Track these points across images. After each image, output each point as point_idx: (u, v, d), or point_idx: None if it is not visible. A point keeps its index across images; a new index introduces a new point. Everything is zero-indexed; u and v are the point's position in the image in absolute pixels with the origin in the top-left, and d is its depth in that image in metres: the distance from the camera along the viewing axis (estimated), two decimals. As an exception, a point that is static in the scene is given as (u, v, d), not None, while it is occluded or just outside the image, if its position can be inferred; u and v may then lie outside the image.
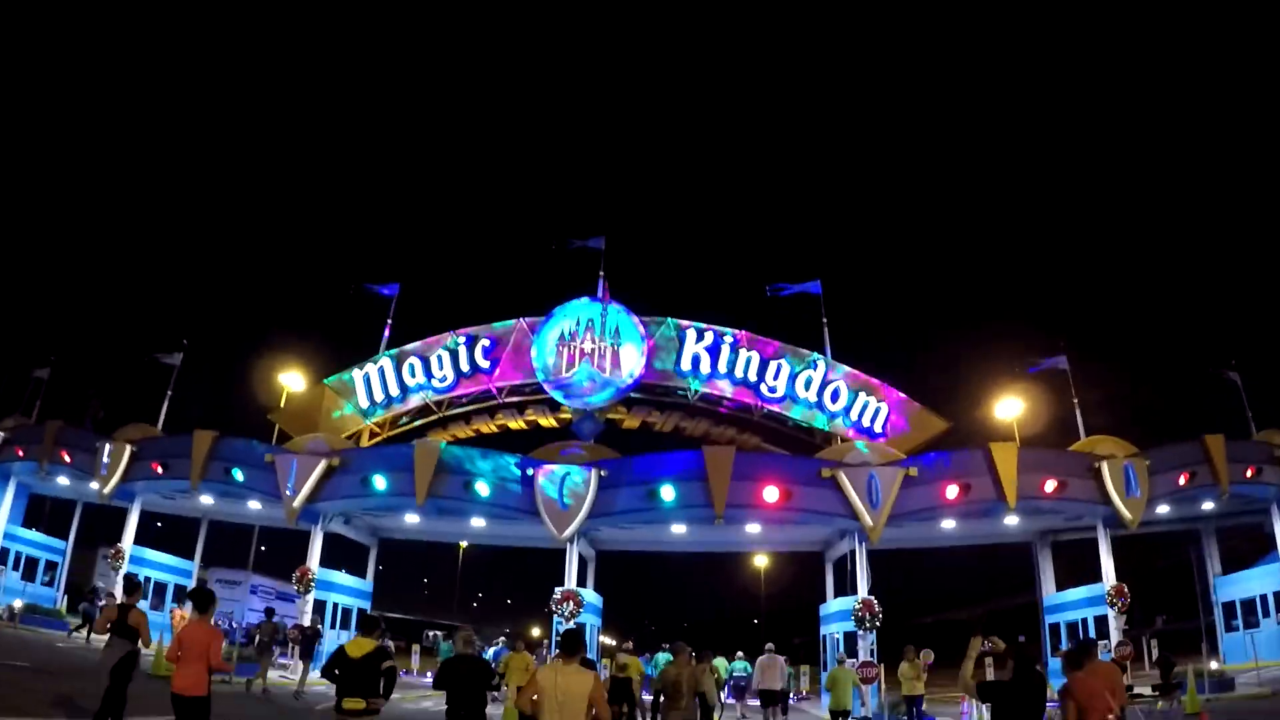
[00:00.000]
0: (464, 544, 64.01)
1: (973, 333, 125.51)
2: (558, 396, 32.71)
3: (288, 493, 28.54)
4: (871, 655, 26.67)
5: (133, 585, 13.78)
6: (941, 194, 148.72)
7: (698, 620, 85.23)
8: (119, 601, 13.11)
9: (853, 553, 28.31)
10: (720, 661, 26.78)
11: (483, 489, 27.62)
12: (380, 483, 28.18)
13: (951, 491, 26.71)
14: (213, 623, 10.92)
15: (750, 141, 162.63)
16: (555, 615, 27.84)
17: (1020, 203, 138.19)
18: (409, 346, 34.86)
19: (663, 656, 24.80)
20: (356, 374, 34.87)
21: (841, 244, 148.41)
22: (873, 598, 26.99)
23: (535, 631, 54.02)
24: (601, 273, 34.08)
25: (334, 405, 34.99)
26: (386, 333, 35.66)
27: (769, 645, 24.02)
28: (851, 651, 27.32)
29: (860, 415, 31.99)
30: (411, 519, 31.98)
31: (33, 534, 36.81)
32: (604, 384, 32.15)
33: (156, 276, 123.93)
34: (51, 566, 36.71)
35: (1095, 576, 29.00)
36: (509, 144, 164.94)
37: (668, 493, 26.72)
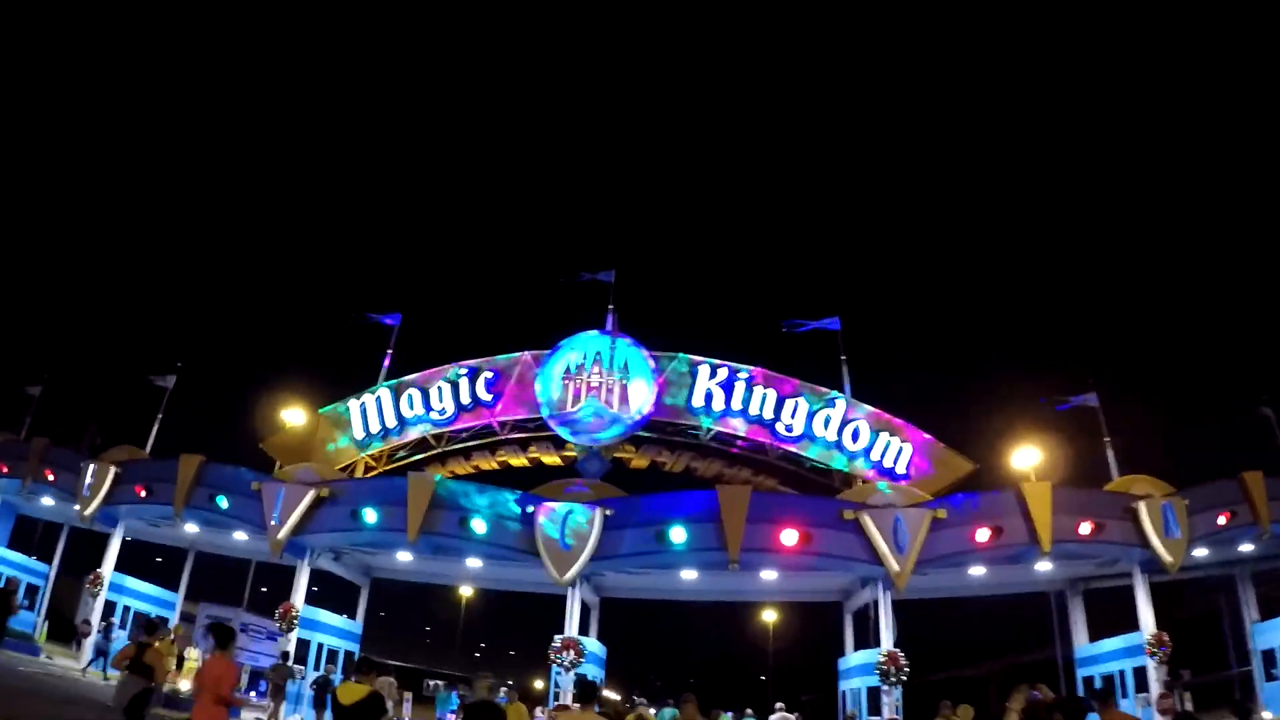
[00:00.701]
0: (466, 590, 62.20)
1: (997, 371, 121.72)
2: (562, 433, 30.68)
3: (273, 523, 26.48)
4: (897, 712, 24.31)
5: (152, 625, 13.73)
6: (963, 228, 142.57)
7: (704, 674, 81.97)
8: (140, 639, 13.05)
9: (875, 602, 26.09)
10: (727, 718, 24.58)
11: (479, 526, 25.47)
12: (371, 516, 26.06)
13: (982, 535, 24.56)
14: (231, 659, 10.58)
15: (766, 173, 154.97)
16: (554, 665, 25.57)
17: (1044, 237, 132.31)
18: (408, 378, 33.00)
19: (668, 712, 23.41)
20: (353, 404, 32.95)
21: (860, 279, 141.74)
22: (898, 650, 24.65)
23: (539, 684, 51.47)
24: (611, 306, 32.28)
25: (329, 436, 33.06)
26: (386, 363, 33.89)
27: (779, 704, 23.26)
28: (874, 709, 25.04)
29: (882, 456, 29.85)
30: (404, 557, 29.76)
31: (14, 555, 34.84)
32: (611, 420, 30.12)
33: (155, 297, 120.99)
34: (33, 590, 34.69)
35: (1126, 627, 26.96)
36: (518, 173, 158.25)
37: (678, 534, 24.55)
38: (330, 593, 37.07)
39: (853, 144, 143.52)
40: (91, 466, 29.47)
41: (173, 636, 26.34)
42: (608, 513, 24.94)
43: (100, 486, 29.14)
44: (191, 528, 31.29)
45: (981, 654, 56.85)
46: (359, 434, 32.64)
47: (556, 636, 25.74)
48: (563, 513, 24.95)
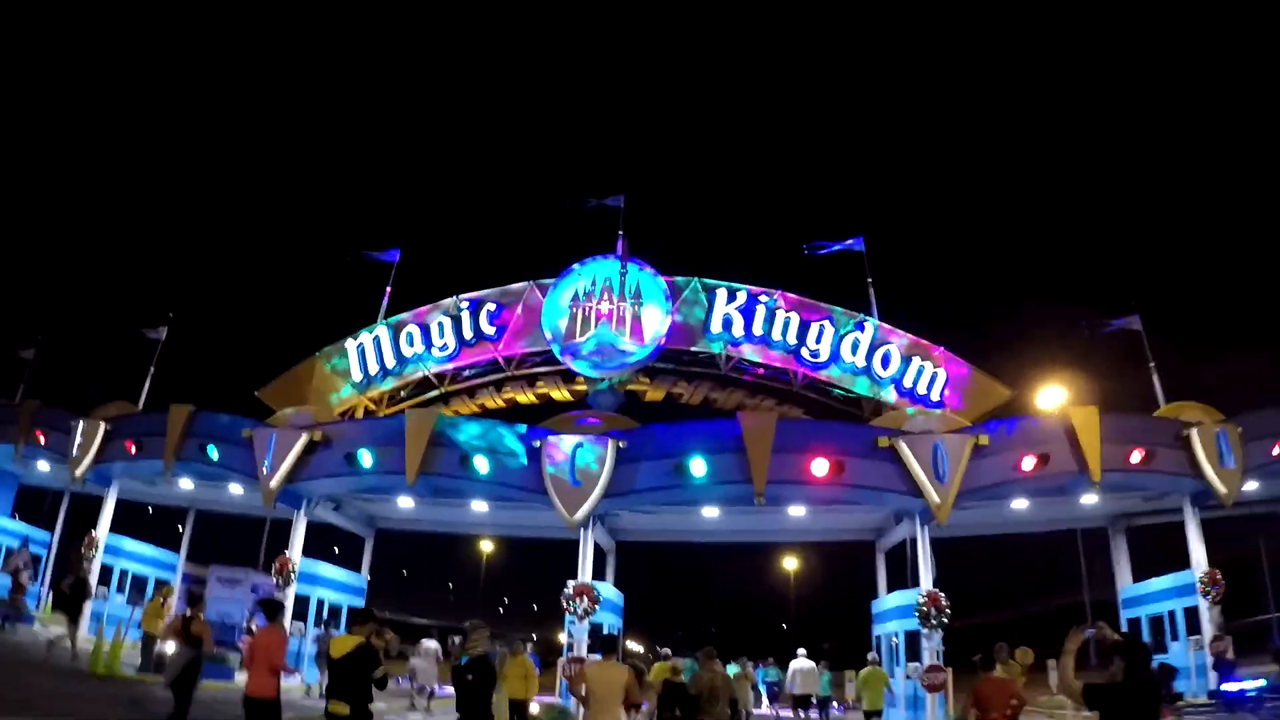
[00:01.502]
0: (486, 545, 60.03)
1: (1032, 294, 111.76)
2: (571, 365, 28.18)
3: (264, 471, 24.28)
4: (938, 658, 21.92)
5: (195, 598, 14.07)
6: (995, 138, 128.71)
7: (726, 623, 79.73)
8: (185, 612, 13.41)
9: (911, 540, 23.77)
10: (732, 668, 22.54)
11: (482, 465, 23.08)
12: (367, 459, 23.78)
13: (1028, 463, 21.99)
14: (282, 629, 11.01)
15: (782, 83, 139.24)
16: (568, 613, 23.25)
17: (1082, 149, 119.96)
18: (407, 314, 30.52)
19: (686, 662, 21.43)
20: (351, 345, 30.55)
21: (886, 196, 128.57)
22: (939, 591, 22.23)
23: (563, 637, 49.32)
24: (621, 232, 29.58)
25: (326, 382, 30.72)
26: (385, 301, 31.39)
27: (800, 650, 23.79)
28: (914, 654, 22.70)
29: (915, 382, 27.24)
30: (406, 503, 27.47)
31: (14, 523, 32.87)
32: (624, 350, 27.57)
33: (144, 247, 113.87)
34: (35, 560, 32.28)
35: (1167, 568, 24.97)
36: (518, 93, 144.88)
37: (698, 467, 22.06)
38: (341, 548, 34.92)
39: (874, 46, 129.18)
40: (80, 424, 27.29)
41: (162, 599, 24.25)
42: (620, 445, 22.52)
43: (90, 445, 26.98)
44: (186, 484, 29.17)
45: (997, 602, 54.36)
46: (357, 376, 30.27)
47: (569, 582, 23.43)
48: (572, 446, 22.54)
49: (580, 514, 22.33)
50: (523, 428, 23.56)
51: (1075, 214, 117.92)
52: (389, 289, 31.64)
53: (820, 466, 21.74)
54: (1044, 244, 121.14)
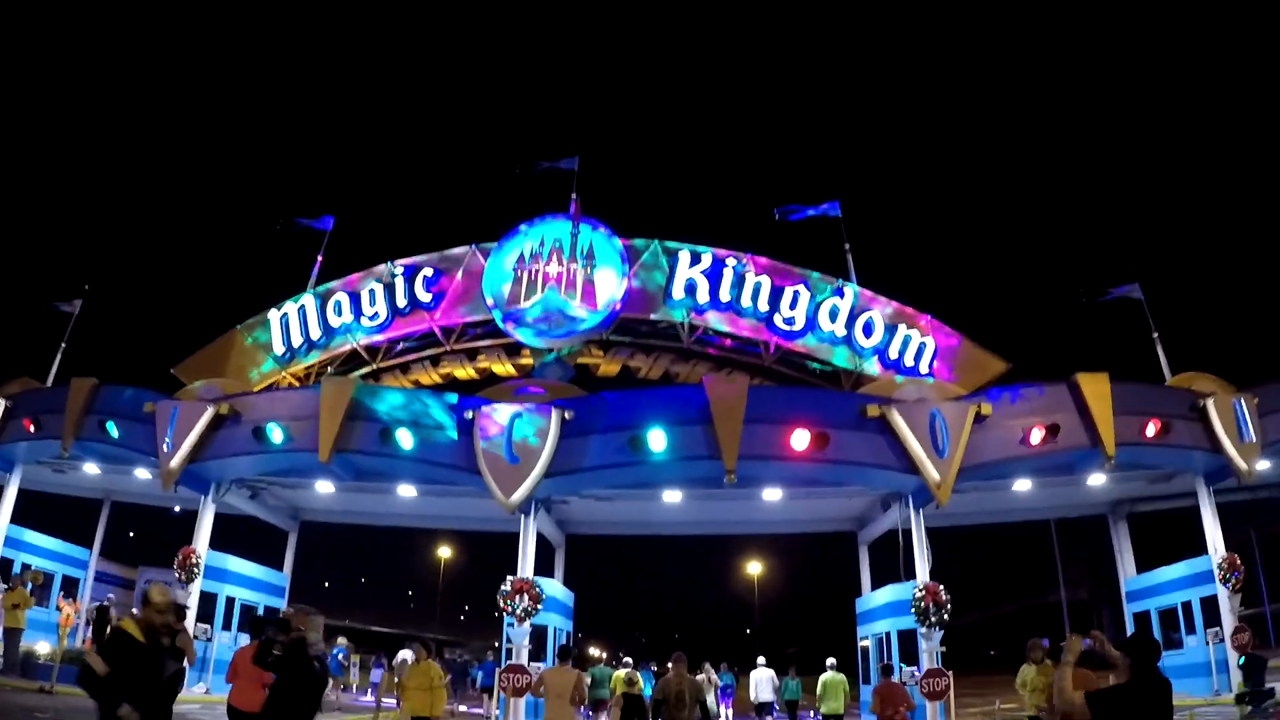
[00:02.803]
0: (439, 540, 55.82)
1: (1024, 262, 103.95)
2: (514, 333, 24.30)
3: (165, 449, 20.30)
4: (938, 660, 18.25)
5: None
6: (981, 92, 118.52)
7: (689, 626, 75.64)
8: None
9: (903, 530, 20.30)
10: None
11: (405, 439, 19.14)
12: (277, 434, 19.80)
13: (1035, 435, 18.58)
14: None
15: (749, 34, 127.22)
16: (505, 613, 19.27)
17: (1071, 104, 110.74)
18: (336, 282, 26.59)
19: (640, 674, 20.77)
20: (274, 315, 26.56)
21: (862, 157, 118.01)
22: (937, 583, 18.54)
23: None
24: (574, 196, 25.71)
25: (247, 356, 26.77)
26: (315, 271, 27.39)
27: (760, 659, 22.71)
28: (909, 656, 19.03)
29: (902, 353, 23.58)
30: (325, 488, 23.32)
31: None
32: (573, 316, 23.72)
33: (58, 214, 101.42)
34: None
35: (1169, 558, 22.36)
36: (466, 48, 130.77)
37: (657, 440, 18.24)
38: (273, 549, 30.58)
39: None
40: (-24, 403, 23.43)
41: (29, 584, 20.19)
42: (566, 415, 18.67)
43: None
44: (92, 469, 24.98)
45: (1004, 593, 50.43)
46: (279, 349, 26.26)
47: (507, 578, 19.46)
48: (509, 416, 18.65)
49: (518, 495, 18.39)
50: (453, 397, 19.71)
51: (1067, 177, 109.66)
52: (320, 258, 27.71)
53: (800, 439, 18.01)
54: (1033, 210, 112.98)
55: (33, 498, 26.92)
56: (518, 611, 19.03)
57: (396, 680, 13.92)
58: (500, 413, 18.75)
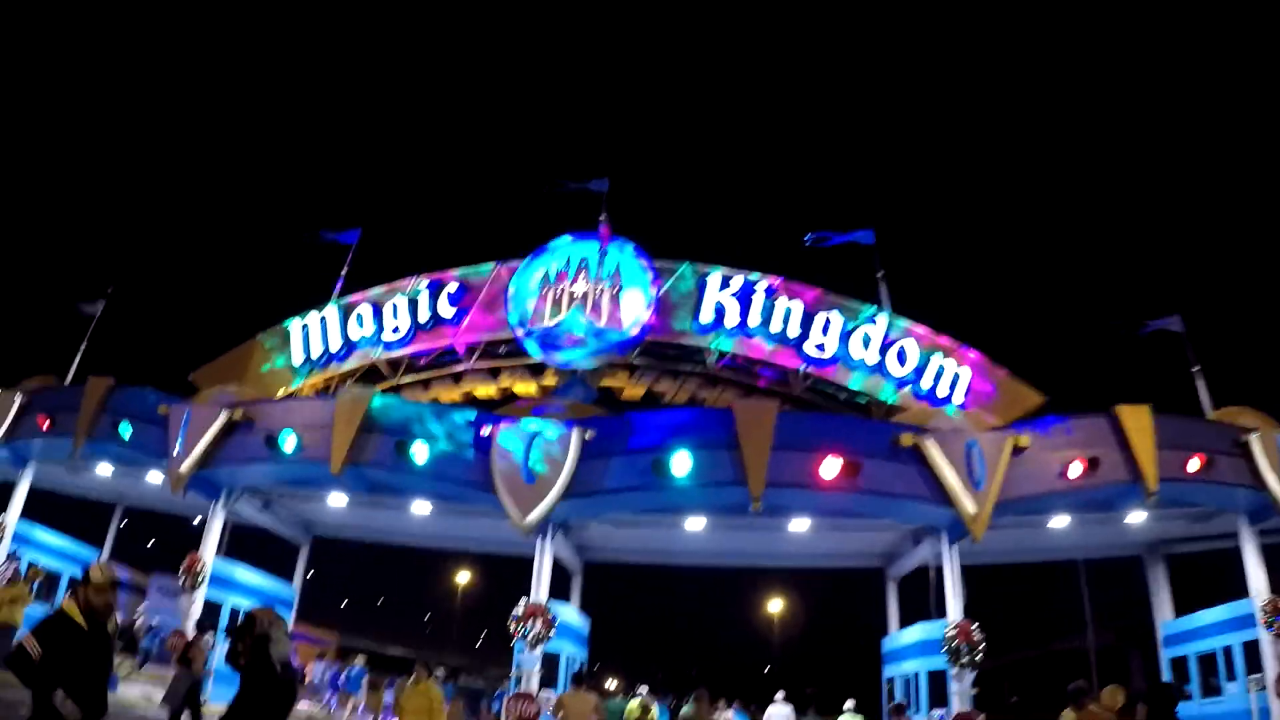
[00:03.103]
0: (457, 561, 54.72)
1: (1059, 292, 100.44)
2: (538, 352, 23.63)
3: (175, 452, 19.83)
4: (969, 704, 17.22)
5: (204, 627, 15.65)
6: (1015, 117, 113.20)
7: (707, 659, 73.74)
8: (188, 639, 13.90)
9: (935, 567, 19.25)
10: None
11: (420, 453, 18.41)
12: (290, 443, 19.16)
13: (1075, 469, 17.57)
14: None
15: (782, 60, 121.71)
16: (516, 638, 18.40)
17: (1111, 127, 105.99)
18: (359, 295, 26.00)
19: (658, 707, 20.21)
20: (294, 325, 26.13)
21: (894, 186, 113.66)
22: (970, 620, 17.53)
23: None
24: (603, 217, 25.08)
25: (266, 366, 26.23)
26: (340, 283, 26.92)
27: (779, 694, 21.55)
28: (939, 698, 17.99)
29: (935, 382, 22.75)
30: (337, 501, 22.59)
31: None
32: (599, 335, 23.05)
33: (89, 219, 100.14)
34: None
35: (1206, 602, 21.07)
36: (497, 65, 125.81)
37: (682, 463, 17.37)
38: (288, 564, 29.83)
39: (881, 15, 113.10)
40: (-7, 396, 23.25)
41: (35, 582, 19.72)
42: (587, 435, 17.90)
43: (3, 418, 22.96)
44: (105, 469, 24.50)
45: (1026, 637, 48.46)
46: (298, 359, 25.77)
47: (521, 600, 18.62)
48: (527, 433, 17.88)
49: (534, 516, 17.61)
50: (471, 413, 19.06)
51: (1104, 206, 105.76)
52: (345, 271, 27.22)
53: (831, 468, 17.11)
54: (1069, 240, 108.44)
55: (46, 498, 26.61)
56: (529, 637, 18.16)
57: (394, 700, 13.08)
58: (519, 430, 18.01)
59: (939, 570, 18.92)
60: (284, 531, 26.21)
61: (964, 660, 17.23)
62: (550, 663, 19.79)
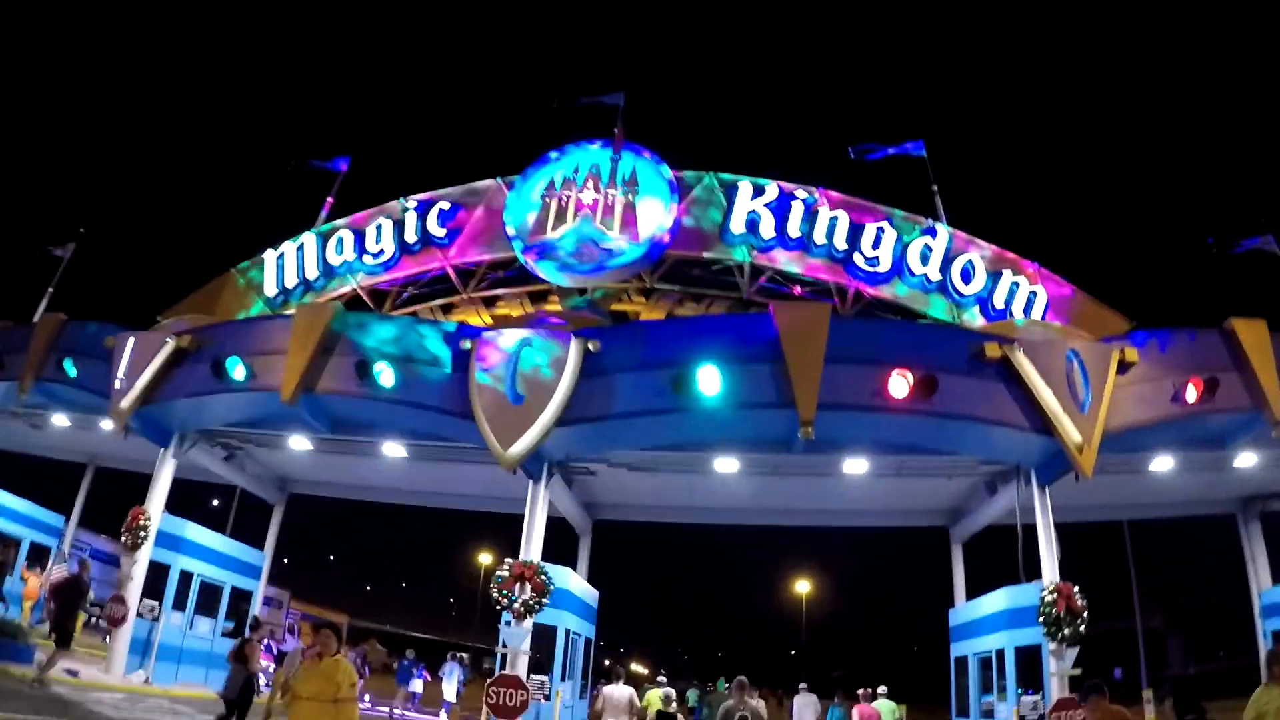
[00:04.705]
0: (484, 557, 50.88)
1: (1139, 208, 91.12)
2: (537, 268, 19.69)
3: (118, 385, 16.45)
4: (1067, 686, 13.09)
5: (256, 623, 14.01)
6: (1076, 9, 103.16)
7: (733, 642, 69.32)
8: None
9: (1019, 519, 15.16)
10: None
11: (386, 375, 14.44)
12: (239, 370, 15.45)
13: (1191, 392, 13.60)
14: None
15: None
16: (501, 606, 14.40)
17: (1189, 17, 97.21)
18: (342, 220, 22.21)
19: (692, 693, 21.39)
20: (269, 255, 22.32)
21: (950, 88, 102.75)
22: (1071, 584, 13.41)
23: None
24: (618, 130, 21.07)
25: (238, 299, 22.75)
26: (325, 211, 23.03)
27: (802, 685, 19.78)
28: (1030, 679, 13.94)
29: (1009, 302, 18.58)
30: (301, 444, 18.53)
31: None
32: (610, 249, 19.01)
33: (59, 155, 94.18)
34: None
35: None
36: None
37: (709, 380, 13.37)
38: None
39: None
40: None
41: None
42: (591, 346, 13.90)
43: None
44: (61, 420, 20.91)
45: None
46: (271, 290, 22.02)
47: (506, 561, 14.64)
48: (515, 342, 13.89)
49: (519, 447, 13.61)
50: (451, 325, 15.08)
51: (1185, 114, 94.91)
52: (330, 200, 23.38)
53: (899, 385, 13.06)
54: (1147, 152, 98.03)
55: (10, 459, 24.41)
56: (515, 605, 14.20)
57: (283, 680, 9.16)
58: (505, 338, 14.08)
59: (1024, 525, 14.86)
60: (255, 489, 22.38)
61: (1065, 632, 13.15)
62: (547, 639, 15.82)
